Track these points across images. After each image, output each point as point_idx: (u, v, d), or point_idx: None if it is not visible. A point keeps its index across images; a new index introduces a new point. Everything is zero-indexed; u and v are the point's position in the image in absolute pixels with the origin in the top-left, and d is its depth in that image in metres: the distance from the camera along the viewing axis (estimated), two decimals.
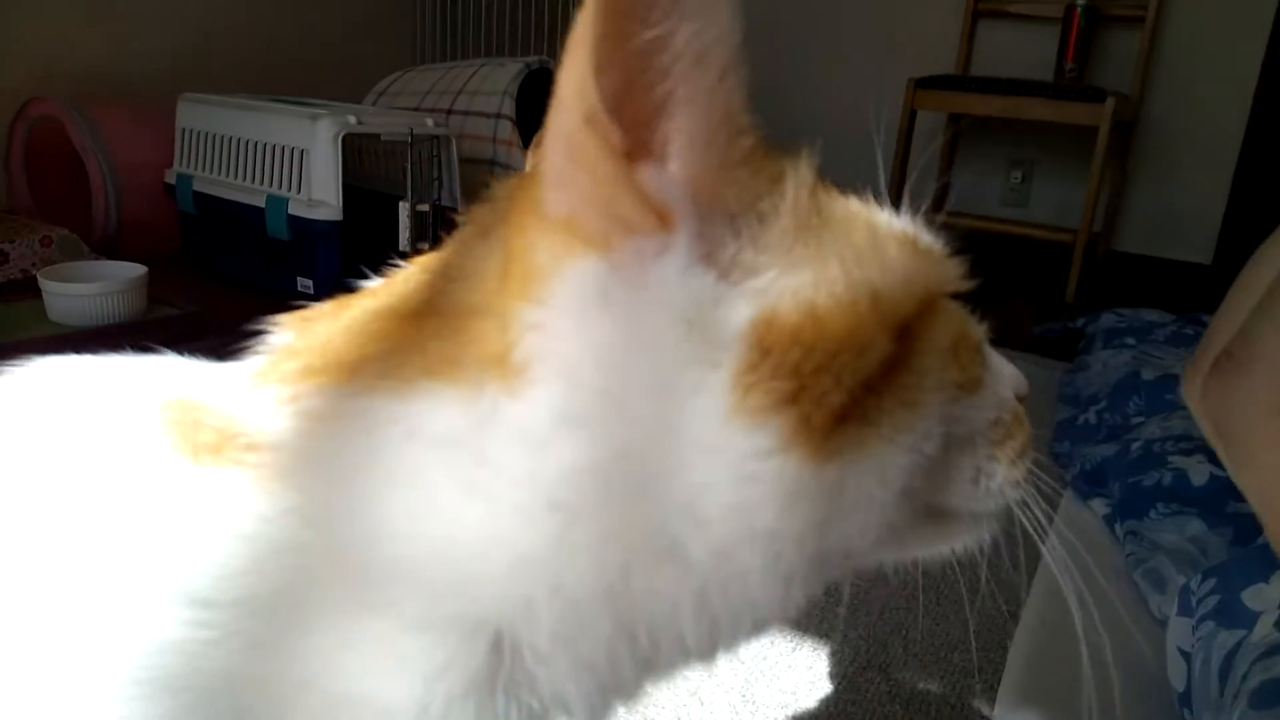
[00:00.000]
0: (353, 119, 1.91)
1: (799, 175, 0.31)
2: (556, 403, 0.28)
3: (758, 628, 0.32)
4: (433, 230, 2.01)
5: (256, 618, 0.27)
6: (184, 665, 0.26)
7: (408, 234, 1.94)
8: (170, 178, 2.17)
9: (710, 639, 0.32)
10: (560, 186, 0.28)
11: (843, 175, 0.34)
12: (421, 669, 0.28)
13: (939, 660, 0.92)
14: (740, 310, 0.28)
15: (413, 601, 0.28)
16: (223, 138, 2.05)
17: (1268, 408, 0.26)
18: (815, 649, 0.91)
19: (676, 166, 0.28)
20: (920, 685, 0.88)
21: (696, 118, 0.27)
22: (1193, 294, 2.42)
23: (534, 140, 0.36)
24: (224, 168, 2.06)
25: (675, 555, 0.29)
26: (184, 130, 2.14)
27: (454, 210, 2.12)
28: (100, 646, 0.26)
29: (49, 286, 1.61)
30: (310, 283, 1.96)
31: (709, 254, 0.29)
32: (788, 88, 3.10)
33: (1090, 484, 1.27)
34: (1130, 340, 1.72)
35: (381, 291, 0.34)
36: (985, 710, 0.85)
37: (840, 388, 0.28)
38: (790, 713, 0.83)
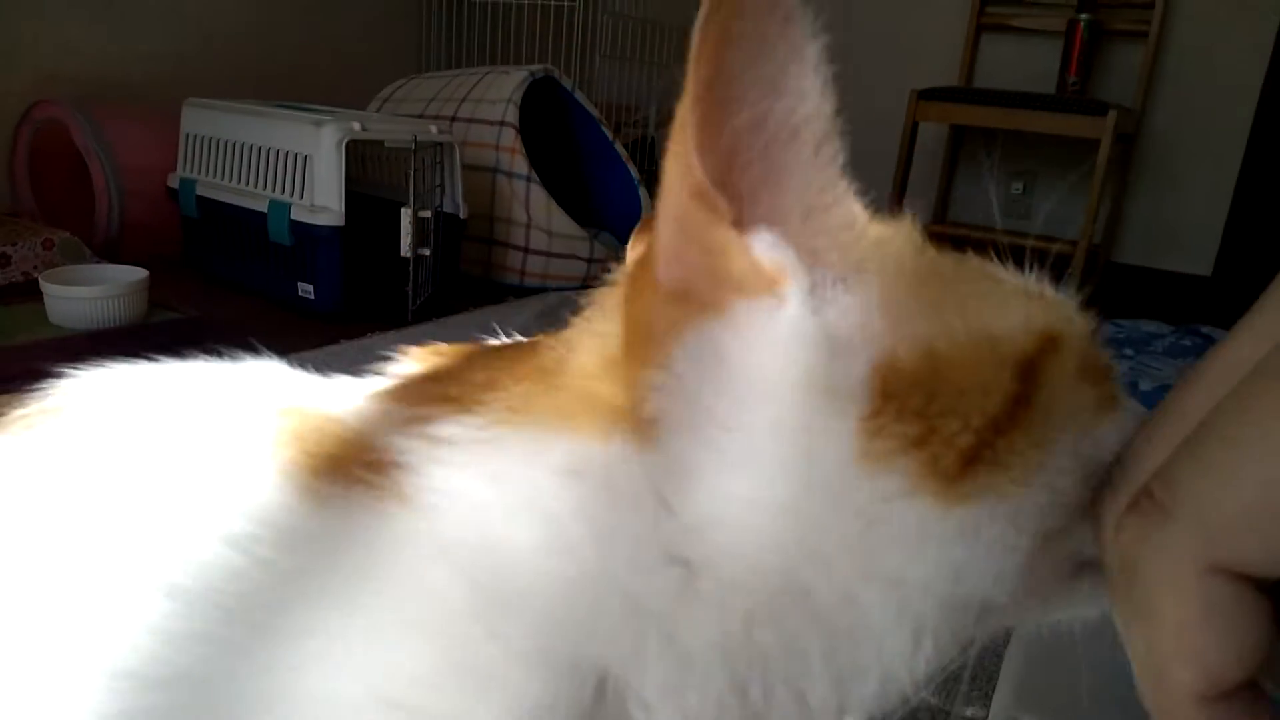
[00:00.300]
0: (357, 125, 1.92)
1: (904, 234, 0.32)
2: (681, 459, 0.29)
3: (885, 688, 0.31)
4: (435, 237, 2.01)
5: (351, 637, 0.27)
6: (287, 687, 0.26)
7: (409, 240, 1.95)
8: (173, 182, 2.18)
9: (835, 696, 0.31)
10: (672, 260, 0.29)
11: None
12: (525, 704, 0.28)
13: None
14: (859, 359, 0.29)
15: (528, 635, 0.28)
16: (227, 143, 2.06)
17: (1190, 566, 0.23)
18: None
19: (782, 233, 0.29)
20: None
21: (795, 189, 0.28)
22: (1192, 305, 2.42)
23: (635, 232, 0.41)
24: (227, 172, 2.06)
25: (801, 604, 0.29)
26: (188, 135, 2.15)
27: (456, 217, 2.13)
28: (192, 671, 0.26)
29: (50, 289, 1.61)
30: (311, 288, 1.96)
31: (821, 308, 0.29)
32: None
33: None
34: (1128, 351, 1.72)
35: (509, 347, 0.35)
36: (979, 716, 0.85)
37: (968, 429, 0.29)
38: None
